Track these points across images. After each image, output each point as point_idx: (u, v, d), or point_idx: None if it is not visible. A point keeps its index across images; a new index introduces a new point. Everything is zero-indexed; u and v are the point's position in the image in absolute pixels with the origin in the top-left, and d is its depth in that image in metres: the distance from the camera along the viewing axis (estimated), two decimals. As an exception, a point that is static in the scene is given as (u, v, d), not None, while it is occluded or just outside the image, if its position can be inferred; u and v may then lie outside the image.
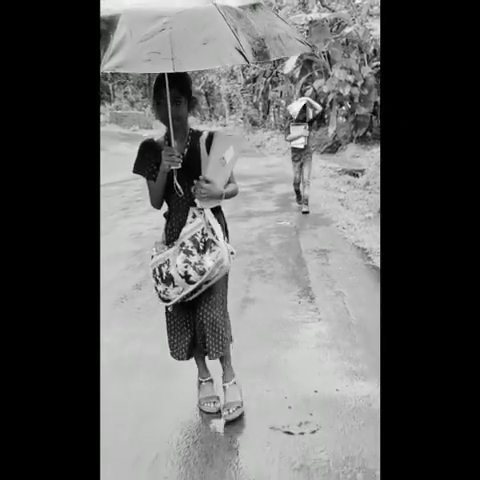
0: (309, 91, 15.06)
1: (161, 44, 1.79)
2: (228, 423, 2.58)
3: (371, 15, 14.74)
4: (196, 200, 2.39)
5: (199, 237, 2.37)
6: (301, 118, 7.40)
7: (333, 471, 2.24)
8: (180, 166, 2.34)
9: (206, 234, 2.38)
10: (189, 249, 2.36)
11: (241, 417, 2.61)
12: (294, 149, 7.64)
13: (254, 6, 2.11)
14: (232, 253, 2.47)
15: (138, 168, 2.52)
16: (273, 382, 2.97)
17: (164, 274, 2.40)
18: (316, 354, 3.31)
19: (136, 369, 3.20)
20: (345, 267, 5.12)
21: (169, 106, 2.26)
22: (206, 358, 2.71)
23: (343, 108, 15.16)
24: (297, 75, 16.68)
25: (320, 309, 4.06)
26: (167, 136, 2.44)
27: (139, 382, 3.04)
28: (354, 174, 10.81)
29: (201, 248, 2.36)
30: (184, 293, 2.39)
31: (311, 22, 14.74)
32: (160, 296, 2.45)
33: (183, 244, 2.38)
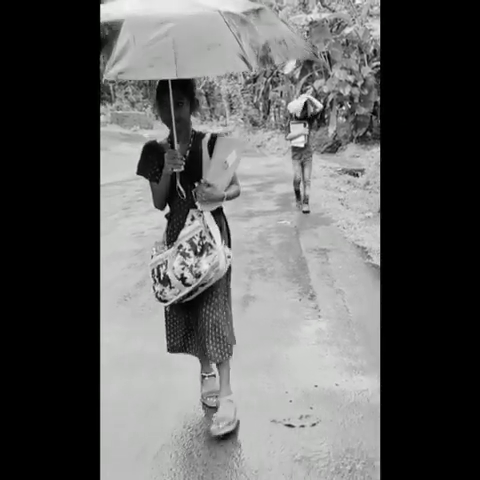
0: (309, 91, 15.08)
1: (164, 51, 1.79)
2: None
3: (371, 15, 14.78)
4: (197, 203, 2.40)
5: (197, 240, 2.39)
6: (302, 116, 7.39)
7: (333, 462, 2.30)
8: (183, 169, 2.36)
9: (204, 237, 2.39)
10: (186, 251, 2.38)
11: (236, 427, 2.54)
12: (294, 148, 7.62)
13: (257, 11, 2.10)
14: (229, 257, 2.48)
15: (142, 170, 2.55)
16: (274, 377, 3.03)
17: (162, 275, 2.42)
18: (316, 350, 3.37)
19: (139, 365, 3.26)
20: (345, 266, 5.18)
21: (172, 108, 2.27)
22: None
23: (343, 108, 15.22)
24: (297, 75, 16.73)
25: (320, 307, 4.12)
26: (170, 138, 2.45)
27: (142, 378, 3.10)
28: (354, 174, 10.86)
29: (198, 251, 2.37)
30: (181, 295, 2.41)
31: (311, 22, 14.78)
32: (157, 296, 2.47)
33: (181, 246, 2.40)
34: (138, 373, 3.17)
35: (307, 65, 16.24)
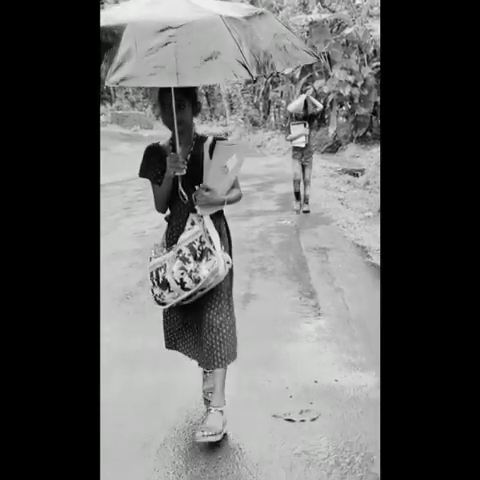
0: (309, 91, 15.12)
1: (166, 58, 1.79)
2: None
3: (371, 16, 14.84)
4: (196, 207, 2.39)
5: (197, 245, 2.38)
6: (301, 116, 7.39)
7: (332, 456, 2.35)
8: (185, 172, 2.35)
9: (203, 242, 2.38)
10: (186, 256, 2.37)
11: (221, 439, 2.47)
12: (295, 148, 7.61)
13: (260, 16, 2.11)
14: (228, 263, 2.47)
15: (144, 172, 2.55)
16: (275, 373, 3.08)
17: (160, 278, 2.42)
18: (316, 347, 3.42)
19: (141, 362, 3.31)
20: (345, 264, 5.23)
21: (174, 111, 2.26)
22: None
23: (343, 108, 15.29)
24: (297, 75, 16.79)
25: (320, 305, 4.17)
26: (172, 141, 2.44)
27: (144, 374, 3.15)
28: (354, 174, 10.91)
29: (198, 256, 2.37)
30: (179, 298, 2.41)
31: (311, 23, 14.85)
32: (156, 299, 2.48)
33: (180, 251, 2.38)
34: (140, 370, 3.21)
35: (307, 65, 16.29)
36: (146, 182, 2.60)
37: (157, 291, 2.46)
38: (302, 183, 7.74)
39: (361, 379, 2.97)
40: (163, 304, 2.48)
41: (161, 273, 2.43)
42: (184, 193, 2.42)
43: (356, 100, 14.29)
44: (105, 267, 4.85)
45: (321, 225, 6.95)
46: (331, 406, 2.73)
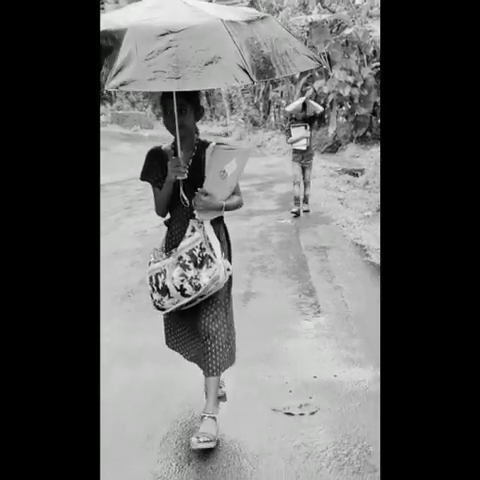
0: (309, 91, 15.19)
1: (166, 63, 1.78)
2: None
3: (371, 16, 14.86)
4: (195, 212, 2.38)
5: (197, 252, 2.37)
6: (301, 117, 7.37)
7: (331, 448, 2.42)
8: (186, 177, 2.35)
9: (204, 249, 2.37)
10: (186, 263, 2.36)
11: (216, 445, 2.46)
12: (296, 150, 7.55)
13: (261, 20, 2.10)
14: (228, 270, 2.48)
15: (146, 175, 2.55)
16: (275, 368, 3.14)
17: (160, 284, 2.43)
18: (315, 343, 3.49)
19: (144, 358, 3.37)
20: (344, 263, 5.29)
21: (176, 116, 2.26)
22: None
23: (343, 108, 15.32)
24: (297, 75, 16.79)
25: (319, 302, 4.23)
26: (174, 145, 2.44)
27: (147, 370, 3.21)
28: (354, 174, 10.95)
29: (198, 263, 2.36)
30: (179, 304, 2.42)
31: (311, 23, 14.88)
32: (155, 304, 2.49)
33: (180, 258, 2.38)
34: (142, 365, 3.27)
35: (307, 66, 16.30)
36: (147, 182, 2.62)
37: (156, 297, 2.47)
38: (302, 184, 7.75)
39: (359, 374, 3.03)
40: (163, 309, 2.50)
41: (161, 279, 2.43)
42: (185, 198, 2.41)
43: (356, 100, 14.32)
44: (107, 266, 4.91)
45: (321, 224, 7.01)
46: (330, 400, 2.79)
